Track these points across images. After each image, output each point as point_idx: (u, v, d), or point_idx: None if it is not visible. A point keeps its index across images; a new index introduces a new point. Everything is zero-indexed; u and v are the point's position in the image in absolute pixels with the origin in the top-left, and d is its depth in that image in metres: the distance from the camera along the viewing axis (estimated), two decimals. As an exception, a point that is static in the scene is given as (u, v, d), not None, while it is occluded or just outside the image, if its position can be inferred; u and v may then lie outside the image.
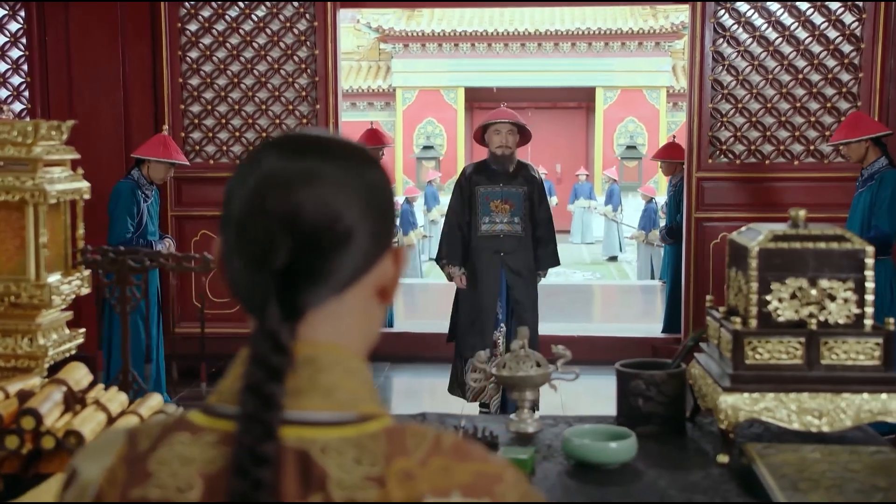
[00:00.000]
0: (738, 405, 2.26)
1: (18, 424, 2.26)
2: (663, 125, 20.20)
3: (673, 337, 7.09)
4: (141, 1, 6.65)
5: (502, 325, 5.44)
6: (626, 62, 20.11)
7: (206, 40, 6.73)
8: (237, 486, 0.79)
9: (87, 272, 3.43)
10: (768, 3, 6.51)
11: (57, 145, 3.31)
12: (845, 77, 6.49)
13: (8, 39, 6.77)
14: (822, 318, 2.28)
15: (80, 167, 3.62)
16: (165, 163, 5.53)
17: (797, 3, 6.48)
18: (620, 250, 16.43)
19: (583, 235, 18.27)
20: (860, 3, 6.42)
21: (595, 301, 12.04)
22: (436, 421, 2.60)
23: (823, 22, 6.48)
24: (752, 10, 6.52)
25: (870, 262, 2.28)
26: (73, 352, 3.41)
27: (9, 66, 6.78)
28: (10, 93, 6.78)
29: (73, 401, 2.42)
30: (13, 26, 6.77)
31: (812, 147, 6.58)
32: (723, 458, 2.27)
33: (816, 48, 6.50)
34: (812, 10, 6.49)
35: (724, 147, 6.62)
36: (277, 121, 6.77)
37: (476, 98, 21.07)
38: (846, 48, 6.47)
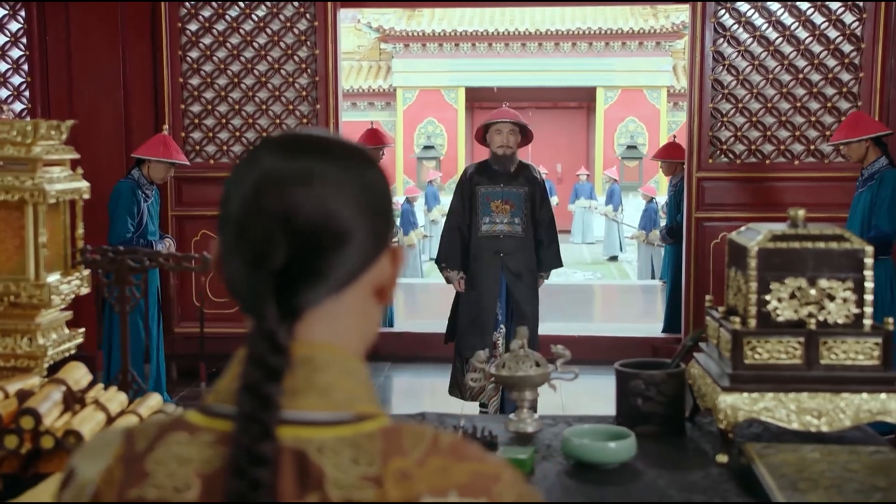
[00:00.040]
0: (737, 405, 2.26)
1: (18, 424, 2.26)
2: (664, 125, 20.20)
3: (673, 337, 7.08)
4: (141, 1, 6.65)
5: (502, 325, 5.43)
6: (627, 62, 20.10)
7: (207, 40, 6.73)
8: (234, 485, 0.79)
9: (86, 272, 3.44)
10: (768, 3, 6.50)
11: (56, 145, 3.31)
12: (845, 77, 6.49)
13: (8, 39, 6.77)
14: (821, 318, 2.28)
15: (80, 167, 3.63)
16: (166, 162, 5.53)
17: (797, 3, 6.48)
18: (621, 250, 16.44)
19: (583, 235, 18.28)
20: (860, 3, 6.42)
21: (595, 301, 12.04)
22: (435, 421, 2.60)
23: (824, 22, 6.48)
24: (753, 10, 6.51)
25: (869, 261, 2.28)
26: (73, 351, 3.42)
27: (9, 66, 6.78)
28: (10, 92, 6.77)
29: (73, 400, 2.41)
30: (13, 26, 6.76)
31: (812, 147, 6.57)
32: (722, 458, 2.27)
33: (817, 48, 6.50)
34: (812, 9, 6.48)
35: (725, 147, 6.62)
36: (278, 121, 6.76)
37: (477, 98, 21.05)
38: (846, 48, 6.47)
